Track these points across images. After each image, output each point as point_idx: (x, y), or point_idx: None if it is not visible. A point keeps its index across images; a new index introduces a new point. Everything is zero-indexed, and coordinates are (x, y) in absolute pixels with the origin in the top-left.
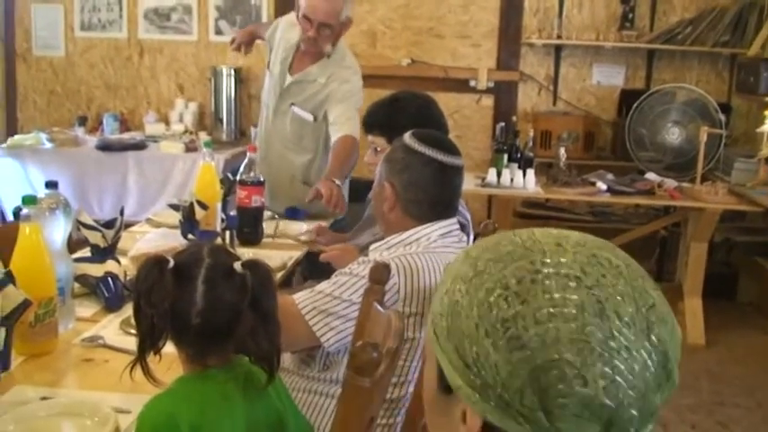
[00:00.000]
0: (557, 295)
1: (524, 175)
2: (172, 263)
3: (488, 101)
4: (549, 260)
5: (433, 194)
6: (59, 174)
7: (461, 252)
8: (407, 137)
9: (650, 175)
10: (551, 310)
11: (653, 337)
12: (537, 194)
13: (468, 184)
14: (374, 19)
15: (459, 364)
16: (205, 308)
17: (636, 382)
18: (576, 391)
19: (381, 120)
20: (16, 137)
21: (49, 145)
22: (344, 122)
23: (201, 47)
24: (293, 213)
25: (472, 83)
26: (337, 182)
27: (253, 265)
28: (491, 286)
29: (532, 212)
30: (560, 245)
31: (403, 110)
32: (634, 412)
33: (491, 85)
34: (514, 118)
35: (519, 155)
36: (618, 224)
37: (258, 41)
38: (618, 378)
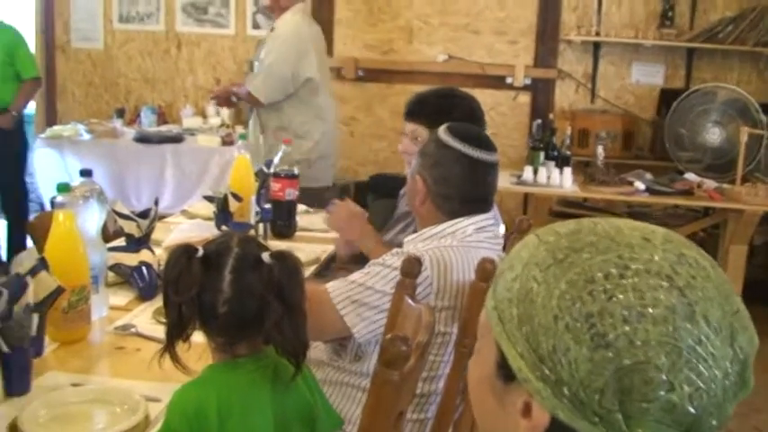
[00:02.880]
0: (647, 294)
1: (561, 173)
2: (200, 252)
3: (525, 98)
4: (637, 255)
5: (463, 190)
6: (97, 165)
7: (530, 236)
8: (442, 131)
9: (689, 176)
10: (641, 309)
11: (735, 345)
12: (574, 193)
13: (504, 181)
14: (411, 14)
15: (530, 355)
16: (232, 297)
17: (717, 390)
18: (661, 397)
19: (432, 110)
20: (55, 127)
21: (87, 136)
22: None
23: (239, 40)
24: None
25: (509, 80)
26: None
27: (281, 256)
28: (574, 278)
29: (569, 211)
30: (648, 239)
31: (458, 106)
32: (714, 422)
33: (528, 82)
34: (551, 115)
35: (556, 153)
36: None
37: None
38: (702, 385)
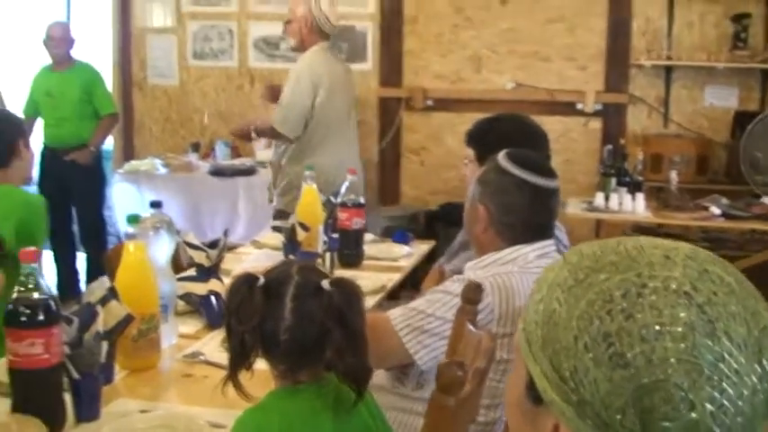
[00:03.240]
0: (665, 312)
1: (633, 199)
2: (261, 280)
3: (596, 124)
4: (656, 273)
5: (527, 218)
6: (173, 198)
7: (558, 258)
8: (501, 158)
9: (766, 199)
10: (659, 327)
11: (764, 361)
12: (646, 219)
13: (575, 208)
14: (479, 44)
15: (553, 376)
16: (293, 324)
17: (744, 408)
18: (683, 415)
19: (475, 134)
20: (132, 162)
21: (163, 170)
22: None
23: None
24: (401, 237)
25: (579, 106)
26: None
27: (340, 282)
28: (593, 297)
29: None
30: (669, 257)
31: (497, 129)
32: None
33: (599, 107)
34: (622, 140)
35: (627, 178)
36: (734, 251)
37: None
38: (726, 403)
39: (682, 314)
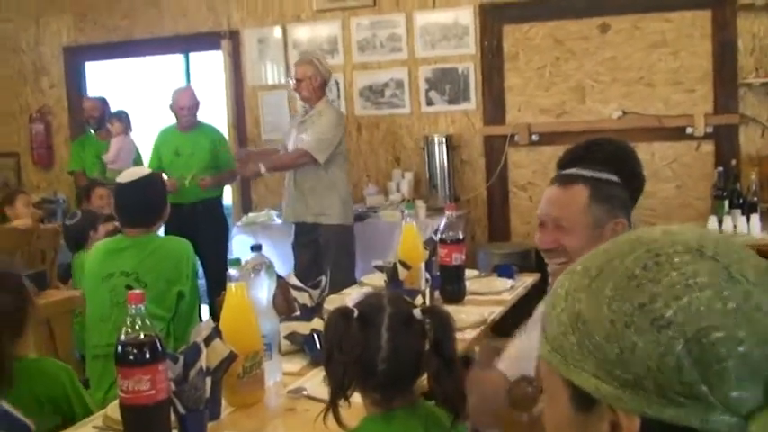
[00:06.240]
0: (686, 269)
1: (748, 221)
2: (356, 312)
3: (708, 147)
4: (663, 243)
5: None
6: (288, 246)
7: (562, 275)
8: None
9: None
10: (685, 282)
11: None
12: (763, 241)
13: None
14: (582, 75)
15: (601, 370)
16: (390, 354)
17: None
18: (733, 353)
19: (573, 161)
20: (250, 215)
21: (278, 220)
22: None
23: (415, 118)
24: (505, 271)
25: (689, 130)
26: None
27: (431, 311)
28: (616, 281)
29: None
30: (667, 231)
31: (595, 154)
32: None
33: (710, 130)
34: (734, 162)
35: (741, 200)
36: None
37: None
38: (766, 334)
39: (700, 267)
